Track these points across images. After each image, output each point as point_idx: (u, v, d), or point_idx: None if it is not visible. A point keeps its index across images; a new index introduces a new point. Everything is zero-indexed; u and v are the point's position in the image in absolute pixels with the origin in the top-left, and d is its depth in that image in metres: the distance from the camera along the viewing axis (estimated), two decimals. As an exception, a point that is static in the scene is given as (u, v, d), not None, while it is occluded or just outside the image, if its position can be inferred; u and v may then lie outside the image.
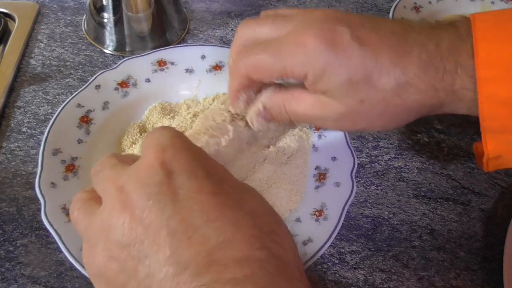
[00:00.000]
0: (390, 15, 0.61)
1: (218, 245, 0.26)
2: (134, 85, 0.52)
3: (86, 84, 0.50)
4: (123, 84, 0.52)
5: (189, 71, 0.54)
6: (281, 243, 0.29)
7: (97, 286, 0.30)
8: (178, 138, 0.30)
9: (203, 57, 0.55)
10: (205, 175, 0.29)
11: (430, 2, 0.67)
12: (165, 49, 0.55)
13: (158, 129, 0.31)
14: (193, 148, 0.30)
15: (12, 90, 0.56)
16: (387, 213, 0.48)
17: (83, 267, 0.38)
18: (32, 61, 0.59)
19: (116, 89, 0.51)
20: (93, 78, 0.51)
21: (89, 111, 0.49)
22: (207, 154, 0.32)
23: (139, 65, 0.53)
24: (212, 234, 0.26)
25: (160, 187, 0.27)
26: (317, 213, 0.43)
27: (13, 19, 0.64)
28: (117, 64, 0.52)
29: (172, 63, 0.54)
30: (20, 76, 0.58)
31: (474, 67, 0.32)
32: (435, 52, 0.33)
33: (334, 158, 0.47)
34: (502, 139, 0.34)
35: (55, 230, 0.40)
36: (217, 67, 0.54)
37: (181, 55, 0.55)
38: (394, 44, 0.34)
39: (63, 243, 0.39)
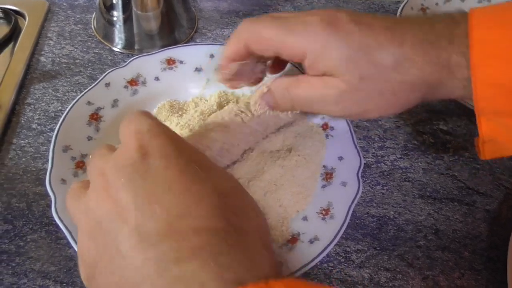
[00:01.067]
0: (397, 16, 0.61)
1: (178, 215, 0.28)
2: (143, 83, 0.53)
3: (96, 82, 0.51)
4: (133, 82, 0.52)
5: (197, 70, 0.55)
6: (243, 216, 0.31)
7: (81, 271, 0.32)
8: (155, 125, 0.32)
9: (211, 56, 0.55)
10: (177, 155, 0.31)
11: (437, 4, 0.67)
12: (174, 47, 0.55)
13: (136, 115, 0.33)
14: (169, 133, 0.32)
15: (22, 87, 0.57)
16: (392, 212, 0.49)
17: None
18: (42, 59, 0.60)
19: (125, 87, 0.52)
20: (102, 76, 0.51)
21: (98, 108, 0.50)
22: (184, 139, 0.34)
23: (148, 64, 0.54)
24: (174, 205, 0.28)
25: (134, 167, 0.30)
26: (323, 212, 0.44)
27: (23, 17, 0.65)
28: (127, 62, 0.53)
29: (181, 62, 0.55)
30: (30, 73, 0.58)
31: (466, 44, 0.34)
32: (430, 31, 0.35)
33: (340, 158, 0.48)
34: (496, 121, 0.36)
35: (65, 226, 0.40)
36: (226, 66, 0.55)
37: (190, 54, 0.55)
38: (389, 26, 0.36)
39: (73, 238, 0.40)
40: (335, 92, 0.37)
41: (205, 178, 0.31)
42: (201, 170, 0.31)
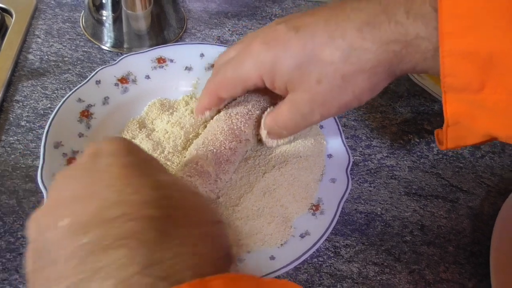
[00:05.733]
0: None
1: (111, 204, 0.27)
2: (134, 81, 0.53)
3: (87, 79, 0.51)
4: (123, 80, 0.53)
5: (188, 68, 0.55)
6: (183, 209, 0.29)
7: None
8: (118, 138, 0.33)
9: (201, 55, 0.56)
10: (125, 154, 0.31)
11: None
12: (164, 46, 0.56)
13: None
14: (127, 141, 0.33)
15: (10, 85, 0.56)
16: (379, 209, 0.50)
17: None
18: (30, 56, 0.60)
19: (116, 84, 0.52)
20: (93, 73, 0.51)
21: (89, 105, 0.50)
22: (139, 146, 0.34)
23: (138, 62, 0.54)
24: (111, 196, 0.27)
25: (81, 167, 0.30)
26: (314, 208, 0.45)
27: (10, 14, 0.64)
28: (117, 60, 0.53)
29: (171, 61, 0.55)
30: (18, 71, 0.58)
31: (430, 15, 0.32)
32: (375, 10, 0.34)
33: (330, 155, 0.49)
34: (462, 98, 0.33)
35: (58, 221, 0.40)
36: (215, 65, 0.55)
37: (180, 53, 0.55)
38: (329, 18, 0.36)
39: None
40: (304, 105, 0.38)
41: (148, 173, 0.30)
42: (147, 167, 0.31)
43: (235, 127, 0.44)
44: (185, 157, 0.45)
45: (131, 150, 0.32)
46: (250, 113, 0.44)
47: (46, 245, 0.27)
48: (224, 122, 0.44)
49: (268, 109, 0.44)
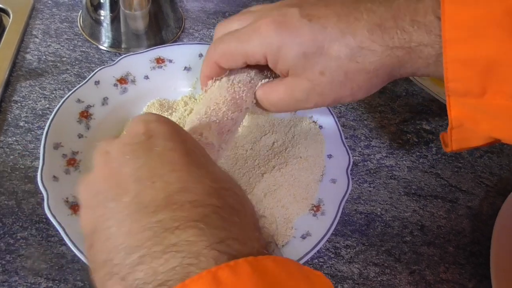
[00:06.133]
0: None
1: (177, 189, 0.29)
2: (133, 81, 0.53)
3: (86, 80, 0.50)
4: (122, 80, 0.52)
5: (186, 69, 0.55)
6: (240, 200, 0.32)
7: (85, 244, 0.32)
8: (162, 117, 0.34)
9: (200, 55, 0.55)
10: (181, 140, 0.32)
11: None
12: (163, 46, 0.55)
13: (146, 113, 0.36)
14: (174, 124, 0.34)
15: (8, 85, 0.56)
16: (379, 209, 0.50)
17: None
18: (28, 56, 0.59)
19: (115, 85, 0.52)
20: (92, 74, 0.51)
21: (88, 106, 0.50)
22: (187, 131, 0.35)
23: (137, 62, 0.54)
24: (174, 181, 0.29)
25: (139, 145, 0.31)
26: (314, 209, 0.45)
27: (8, 14, 0.64)
28: (116, 61, 0.53)
29: (170, 61, 0.55)
30: (16, 71, 0.58)
31: (432, 23, 0.33)
32: (386, 14, 0.35)
33: (330, 156, 0.49)
34: (465, 102, 0.35)
35: (58, 222, 0.40)
36: (214, 65, 0.55)
37: (179, 53, 0.55)
38: (343, 14, 0.36)
39: (67, 235, 0.39)
40: (302, 92, 0.39)
41: (204, 163, 0.32)
42: (201, 156, 0.33)
43: (237, 97, 0.42)
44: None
45: (185, 137, 0.33)
46: (252, 81, 0.43)
47: (106, 213, 0.29)
48: (226, 91, 0.42)
49: (263, 81, 0.44)
